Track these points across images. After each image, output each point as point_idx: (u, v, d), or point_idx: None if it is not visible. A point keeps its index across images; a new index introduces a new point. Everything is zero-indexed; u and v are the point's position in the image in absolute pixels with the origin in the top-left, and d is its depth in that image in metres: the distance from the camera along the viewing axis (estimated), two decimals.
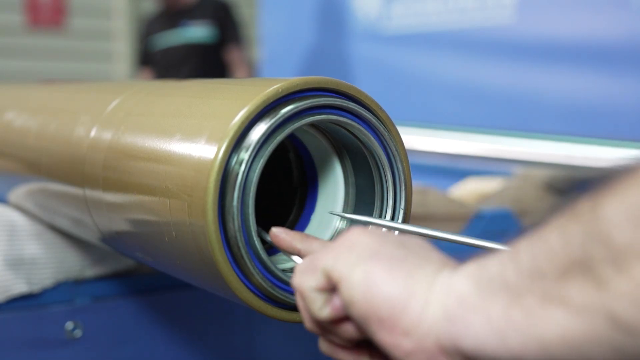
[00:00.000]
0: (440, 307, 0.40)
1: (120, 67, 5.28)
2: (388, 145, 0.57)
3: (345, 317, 0.46)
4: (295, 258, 0.56)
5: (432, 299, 0.41)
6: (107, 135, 0.66)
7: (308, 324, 0.49)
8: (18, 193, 0.89)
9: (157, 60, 3.48)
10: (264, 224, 0.58)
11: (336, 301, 0.46)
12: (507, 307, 0.37)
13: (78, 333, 0.87)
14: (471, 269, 0.41)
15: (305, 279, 0.47)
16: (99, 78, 4.68)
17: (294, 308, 0.55)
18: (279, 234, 0.56)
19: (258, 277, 0.52)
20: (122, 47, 5.30)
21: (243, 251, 0.51)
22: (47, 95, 1.00)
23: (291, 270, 0.58)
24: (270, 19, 3.08)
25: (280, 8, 3.00)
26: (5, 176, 0.92)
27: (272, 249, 0.59)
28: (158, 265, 0.65)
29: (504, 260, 0.39)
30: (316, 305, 0.46)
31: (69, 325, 0.86)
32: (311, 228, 0.64)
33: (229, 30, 3.41)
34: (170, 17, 3.44)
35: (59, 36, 5.13)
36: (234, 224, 0.51)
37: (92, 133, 0.69)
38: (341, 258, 0.45)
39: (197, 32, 3.40)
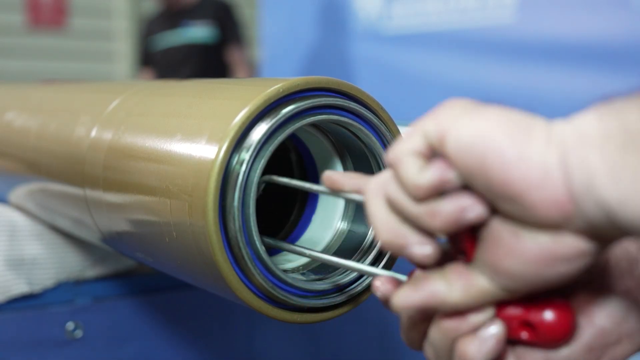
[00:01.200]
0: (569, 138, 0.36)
1: (121, 67, 5.29)
2: (390, 145, 0.57)
3: (448, 190, 0.38)
4: (356, 196, 0.48)
5: (554, 133, 0.37)
6: (108, 135, 0.66)
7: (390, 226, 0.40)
8: (18, 193, 0.89)
9: (158, 61, 3.49)
10: (265, 225, 0.58)
11: (438, 162, 0.38)
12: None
13: (79, 333, 0.86)
14: (592, 116, 0.36)
15: (400, 146, 0.40)
16: (100, 78, 4.68)
17: (294, 308, 0.55)
18: (331, 175, 0.48)
19: (259, 278, 0.52)
20: (123, 47, 5.30)
21: (244, 251, 0.51)
22: (47, 95, 0.99)
23: (292, 270, 0.58)
24: (270, 19, 3.08)
25: (281, 8, 3.00)
26: (6, 176, 0.92)
27: (272, 249, 0.59)
28: (158, 265, 0.65)
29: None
30: (413, 170, 0.38)
31: (70, 325, 0.86)
32: (312, 228, 0.64)
33: (229, 30, 3.41)
34: (171, 17, 3.44)
35: (60, 36, 5.13)
36: (235, 224, 0.51)
37: (93, 133, 0.69)
38: (441, 115, 0.39)
39: (198, 32, 3.40)
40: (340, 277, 0.56)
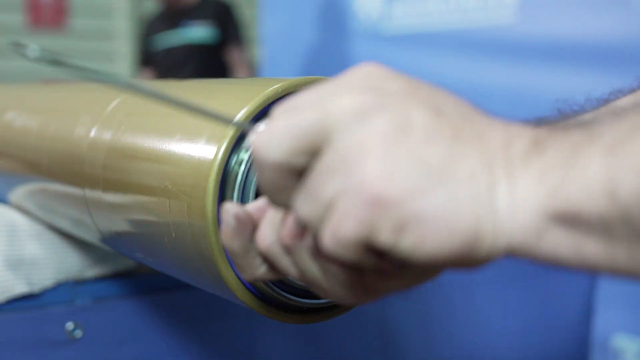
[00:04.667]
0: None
1: (121, 67, 5.29)
2: None
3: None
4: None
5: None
6: (107, 135, 0.66)
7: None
8: (18, 193, 0.89)
9: (158, 61, 3.49)
10: None
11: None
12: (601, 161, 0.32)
13: (78, 333, 0.86)
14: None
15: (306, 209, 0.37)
16: None
17: (294, 309, 0.55)
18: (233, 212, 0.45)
19: None
20: (123, 48, 5.30)
21: None
22: (47, 95, 0.99)
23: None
24: (270, 19, 3.08)
25: (281, 8, 3.00)
26: (5, 176, 0.92)
27: None
28: (158, 265, 0.65)
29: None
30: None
31: (70, 325, 0.86)
32: None
33: (230, 30, 3.42)
34: (171, 18, 3.44)
35: (60, 36, 5.13)
36: None
37: (92, 133, 0.69)
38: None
39: (198, 32, 3.40)
40: None
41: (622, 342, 1.70)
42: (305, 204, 0.37)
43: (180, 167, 0.53)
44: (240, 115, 0.51)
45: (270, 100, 0.52)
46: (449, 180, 0.34)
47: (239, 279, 0.52)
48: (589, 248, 0.33)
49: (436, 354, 1.09)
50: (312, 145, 0.37)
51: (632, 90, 0.55)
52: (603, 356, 1.73)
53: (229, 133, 0.51)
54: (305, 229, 0.40)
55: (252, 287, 0.53)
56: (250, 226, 0.45)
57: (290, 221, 0.41)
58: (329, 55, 2.72)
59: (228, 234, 0.45)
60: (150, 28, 3.57)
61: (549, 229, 0.33)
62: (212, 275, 0.52)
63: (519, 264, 1.22)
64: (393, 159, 0.34)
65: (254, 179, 0.51)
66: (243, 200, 0.51)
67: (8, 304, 0.84)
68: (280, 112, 0.39)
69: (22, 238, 0.87)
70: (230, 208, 0.45)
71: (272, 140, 0.37)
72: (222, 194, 0.51)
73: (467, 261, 0.35)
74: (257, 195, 0.52)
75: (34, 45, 0.40)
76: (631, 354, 1.70)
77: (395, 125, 0.35)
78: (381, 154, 0.34)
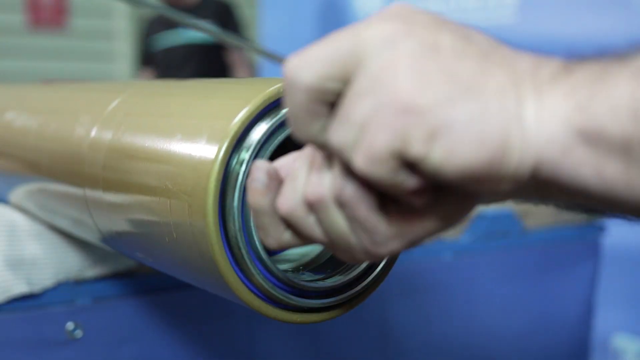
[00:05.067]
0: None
1: (122, 67, 5.29)
2: None
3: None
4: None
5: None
6: (107, 135, 0.66)
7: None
8: (18, 193, 0.89)
9: (159, 61, 3.49)
10: None
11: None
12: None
13: (79, 333, 0.86)
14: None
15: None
16: (100, 78, 4.68)
17: (294, 309, 0.55)
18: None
19: (259, 278, 0.52)
20: (124, 48, 5.30)
21: (244, 252, 0.51)
22: (47, 95, 0.99)
23: (292, 270, 0.58)
24: (270, 19, 3.08)
25: (281, 8, 3.00)
26: (5, 176, 0.92)
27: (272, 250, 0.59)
28: (159, 265, 0.65)
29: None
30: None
31: (70, 325, 0.86)
32: None
33: (230, 30, 3.42)
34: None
35: (60, 36, 5.13)
36: (235, 224, 0.51)
37: (92, 133, 0.69)
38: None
39: (199, 32, 3.40)
40: (340, 277, 0.56)
41: (622, 342, 1.71)
42: (338, 130, 0.38)
43: (181, 167, 0.53)
44: (241, 115, 0.51)
45: (270, 100, 0.52)
46: (478, 92, 0.35)
47: (240, 278, 0.52)
48: (609, 169, 0.33)
49: (436, 353, 1.09)
50: (345, 70, 0.37)
51: None
52: (603, 356, 1.73)
53: (230, 133, 0.51)
54: (332, 166, 0.41)
55: (252, 287, 0.53)
56: (279, 184, 0.45)
57: (314, 177, 0.42)
58: None
59: (258, 191, 0.45)
60: (150, 28, 3.57)
61: (574, 145, 0.34)
62: (213, 275, 0.52)
63: (519, 263, 1.22)
64: (423, 72, 0.35)
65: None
66: (244, 199, 0.51)
67: (8, 304, 0.84)
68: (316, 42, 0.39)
69: (22, 238, 0.87)
70: (262, 164, 0.45)
71: (305, 64, 0.38)
72: (223, 194, 0.51)
73: (495, 176, 0.35)
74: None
75: None
76: (631, 354, 1.70)
77: (425, 46, 0.36)
78: (411, 70, 0.35)
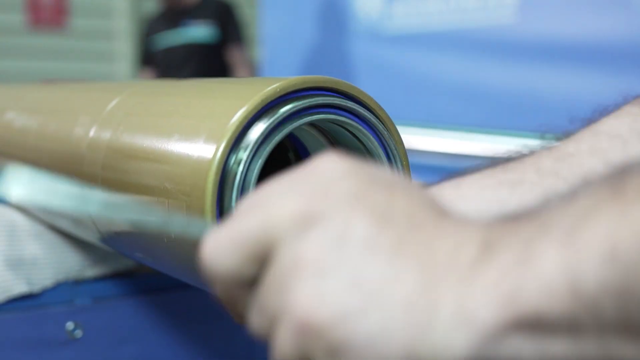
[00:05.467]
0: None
1: (121, 67, 5.29)
2: (387, 144, 0.57)
3: None
4: None
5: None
6: (106, 135, 0.66)
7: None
8: None
9: (159, 60, 3.49)
10: None
11: None
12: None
13: (78, 333, 0.86)
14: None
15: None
16: (100, 78, 4.68)
17: None
18: None
19: None
20: (124, 47, 5.30)
21: None
22: (47, 95, 0.99)
23: None
24: (271, 19, 3.08)
25: (281, 8, 3.00)
26: None
27: None
28: (158, 265, 0.65)
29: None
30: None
31: (70, 325, 0.86)
32: None
33: (230, 30, 3.42)
34: (172, 17, 3.44)
35: (60, 36, 5.13)
36: None
37: (91, 133, 0.69)
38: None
39: (199, 32, 3.40)
40: None
41: None
42: (255, 316, 0.37)
43: (179, 167, 0.53)
44: (238, 115, 0.51)
45: (268, 100, 0.52)
46: (381, 303, 0.32)
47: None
48: (555, 349, 0.30)
49: None
50: (258, 255, 0.36)
51: (616, 108, 0.54)
52: None
53: (228, 133, 0.51)
54: None
55: None
56: None
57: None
58: (329, 55, 2.72)
59: None
60: (150, 27, 3.57)
61: (507, 337, 0.31)
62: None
63: None
64: (324, 279, 0.33)
65: (253, 179, 0.51)
66: (242, 200, 0.51)
67: (8, 304, 0.84)
68: (235, 213, 0.38)
69: (22, 238, 0.87)
70: None
71: (218, 252, 0.37)
72: (221, 194, 0.51)
73: None
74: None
75: None
76: None
77: (333, 236, 0.34)
78: (313, 274, 0.33)
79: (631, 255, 0.28)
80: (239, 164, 0.51)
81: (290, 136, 0.60)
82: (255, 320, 0.37)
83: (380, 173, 0.37)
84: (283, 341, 0.35)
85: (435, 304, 0.32)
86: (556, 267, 0.29)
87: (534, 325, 0.30)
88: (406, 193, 0.35)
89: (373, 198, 0.35)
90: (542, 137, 0.55)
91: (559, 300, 0.29)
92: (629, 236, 0.28)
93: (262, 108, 0.52)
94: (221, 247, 0.36)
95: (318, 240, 0.34)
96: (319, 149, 0.62)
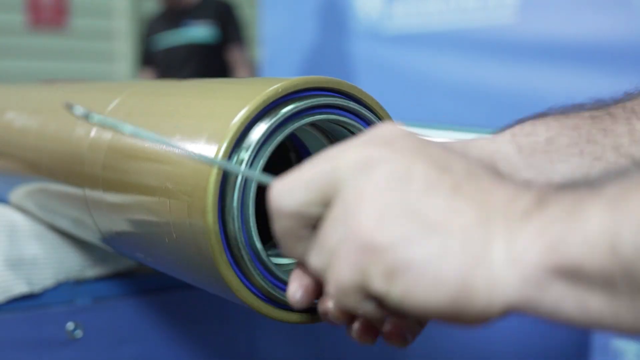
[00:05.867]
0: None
1: (121, 67, 5.29)
2: None
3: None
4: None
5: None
6: (107, 135, 0.66)
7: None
8: (18, 193, 0.89)
9: (159, 61, 3.49)
10: (265, 225, 0.58)
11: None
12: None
13: (79, 333, 0.86)
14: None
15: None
16: (100, 78, 4.68)
17: (294, 309, 0.55)
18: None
19: (258, 278, 0.52)
20: (124, 47, 5.30)
21: (243, 252, 0.51)
22: (47, 95, 0.99)
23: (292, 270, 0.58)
24: (271, 19, 3.08)
25: (281, 8, 3.00)
26: (6, 176, 0.92)
27: (272, 249, 0.59)
28: (158, 265, 0.65)
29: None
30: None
31: (70, 325, 0.86)
32: None
33: (231, 30, 3.42)
34: (173, 17, 3.44)
35: (60, 36, 5.13)
36: (234, 224, 0.51)
37: (92, 133, 0.69)
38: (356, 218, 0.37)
39: (199, 32, 3.40)
40: None
41: (622, 343, 1.70)
42: (314, 255, 0.39)
43: (181, 167, 0.53)
44: (240, 115, 0.51)
45: (270, 101, 0.52)
46: (440, 231, 0.35)
47: (239, 278, 0.52)
48: (592, 303, 0.32)
49: (436, 354, 1.09)
50: (324, 196, 0.39)
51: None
52: (603, 357, 1.73)
53: (229, 133, 0.51)
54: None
55: (253, 287, 0.53)
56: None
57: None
58: (329, 55, 2.72)
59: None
60: (151, 28, 3.57)
61: (550, 283, 0.33)
62: (213, 275, 0.52)
63: None
64: (387, 207, 0.36)
65: (254, 179, 0.51)
66: (243, 199, 0.51)
67: (8, 304, 0.84)
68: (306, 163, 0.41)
69: (22, 238, 0.87)
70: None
71: (287, 190, 0.40)
72: (223, 194, 0.51)
73: (461, 316, 0.35)
74: (258, 195, 0.52)
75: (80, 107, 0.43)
76: (631, 354, 1.69)
77: (395, 176, 0.36)
78: (376, 203, 0.36)
79: None
80: (240, 164, 0.51)
81: (292, 136, 0.60)
82: (314, 258, 0.39)
83: (436, 141, 0.40)
84: (342, 268, 0.37)
85: (489, 238, 0.34)
86: (599, 226, 0.32)
87: (573, 275, 0.32)
88: (463, 156, 0.38)
89: (433, 153, 0.38)
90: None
91: (598, 256, 0.31)
92: None
93: (264, 108, 0.52)
94: (291, 186, 0.39)
95: (381, 177, 0.36)
96: (320, 149, 0.62)
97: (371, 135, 0.40)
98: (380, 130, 0.40)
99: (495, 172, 0.38)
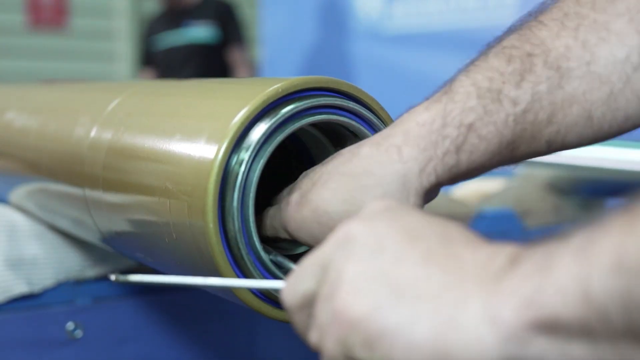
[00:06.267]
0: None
1: (121, 67, 5.29)
2: None
3: None
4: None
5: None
6: (107, 135, 0.66)
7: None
8: (18, 193, 0.89)
9: (159, 61, 3.49)
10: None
11: None
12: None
13: (79, 333, 0.86)
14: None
15: (291, 291, 0.42)
16: (100, 78, 4.68)
17: None
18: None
19: (258, 278, 0.52)
20: (124, 48, 5.30)
21: (243, 252, 0.51)
22: (47, 95, 0.99)
23: (292, 270, 0.58)
24: (271, 19, 3.08)
25: (281, 8, 3.00)
26: (6, 176, 0.92)
27: (272, 249, 0.59)
28: (158, 265, 0.65)
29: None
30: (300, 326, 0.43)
31: (70, 325, 0.86)
32: None
33: (231, 30, 3.42)
34: (173, 17, 3.44)
35: (61, 36, 5.13)
36: (234, 224, 0.51)
37: (92, 133, 0.69)
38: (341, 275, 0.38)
39: (200, 32, 3.40)
40: None
41: None
42: (312, 332, 0.41)
43: (181, 167, 0.53)
44: (240, 115, 0.51)
45: (270, 101, 0.52)
46: (410, 298, 0.35)
47: (240, 278, 0.52)
48: (575, 353, 0.32)
49: None
50: (318, 278, 0.40)
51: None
52: None
53: (229, 133, 0.51)
54: None
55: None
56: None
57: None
58: (329, 55, 2.72)
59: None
60: (151, 28, 3.57)
61: (531, 339, 0.33)
62: (213, 275, 0.52)
63: None
64: (360, 279, 0.37)
65: (255, 179, 0.51)
66: (243, 199, 0.51)
67: (8, 304, 0.84)
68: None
69: (22, 238, 0.87)
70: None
71: (292, 286, 0.42)
72: (223, 194, 0.51)
73: None
74: (258, 195, 0.52)
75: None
76: None
77: (368, 249, 0.38)
78: (351, 276, 0.37)
79: (635, 266, 0.30)
80: (240, 164, 0.51)
81: (292, 136, 0.60)
82: (312, 335, 0.41)
83: (417, 211, 0.41)
84: (328, 342, 0.38)
85: (462, 301, 0.35)
86: (571, 276, 0.32)
87: (552, 328, 0.32)
88: (441, 222, 0.39)
89: (407, 222, 0.39)
90: None
91: (572, 305, 0.31)
92: (634, 249, 0.30)
93: (264, 108, 0.52)
94: (294, 281, 0.42)
95: (355, 254, 0.38)
96: (320, 147, 0.62)
97: (361, 212, 0.42)
98: (367, 208, 0.42)
99: (472, 235, 0.39)
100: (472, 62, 0.55)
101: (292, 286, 0.42)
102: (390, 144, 0.50)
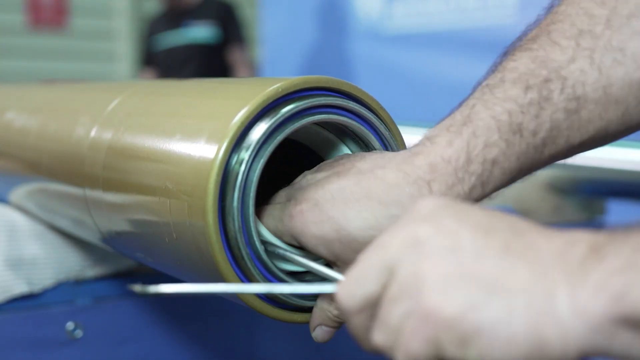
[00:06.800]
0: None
1: (121, 67, 5.29)
2: (389, 144, 0.57)
3: None
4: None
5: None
6: (107, 135, 0.66)
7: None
8: (18, 193, 0.89)
9: (160, 61, 3.49)
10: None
11: None
12: None
13: (79, 333, 0.86)
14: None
15: (351, 295, 0.41)
16: (100, 78, 4.68)
17: (295, 309, 0.55)
18: None
19: (259, 278, 0.52)
20: (124, 47, 5.30)
21: (244, 252, 0.51)
22: (47, 95, 0.99)
23: (293, 272, 0.58)
24: (271, 19, 3.08)
25: (281, 8, 3.00)
26: (6, 176, 0.92)
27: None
28: (158, 265, 0.65)
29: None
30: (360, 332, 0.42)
31: (70, 325, 0.86)
32: None
33: (231, 30, 3.42)
34: (173, 17, 3.44)
35: (61, 36, 5.13)
36: (234, 224, 0.51)
37: (92, 133, 0.69)
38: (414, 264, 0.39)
39: (200, 32, 3.41)
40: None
41: None
42: (379, 333, 0.41)
43: (181, 167, 0.53)
44: (240, 115, 0.51)
45: (270, 100, 0.52)
46: (502, 292, 0.36)
47: (240, 278, 0.52)
48: None
49: None
50: (382, 283, 0.40)
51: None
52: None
53: (229, 133, 0.51)
54: None
55: None
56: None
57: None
58: (329, 55, 2.72)
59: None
60: (152, 28, 3.57)
61: (617, 332, 0.34)
62: (213, 276, 0.52)
63: None
64: (445, 278, 0.37)
65: (255, 179, 0.51)
66: (243, 199, 0.51)
67: (8, 304, 0.84)
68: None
69: (22, 238, 0.87)
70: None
71: (350, 290, 0.42)
72: (223, 194, 0.51)
73: None
74: (258, 195, 0.52)
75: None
76: None
77: (445, 248, 0.38)
78: (435, 276, 0.38)
79: None
80: (240, 164, 0.51)
81: (292, 136, 0.60)
82: (378, 337, 0.41)
83: (475, 205, 0.42)
84: (412, 341, 0.38)
85: (551, 291, 0.35)
86: None
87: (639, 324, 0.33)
88: (504, 215, 0.40)
89: (474, 217, 0.39)
90: None
91: None
92: None
93: (264, 108, 0.52)
94: (353, 285, 0.42)
95: (432, 252, 0.38)
96: (322, 144, 0.62)
97: (411, 213, 0.42)
98: (418, 206, 0.42)
99: (537, 225, 0.39)
100: (487, 85, 0.56)
101: (350, 289, 0.42)
102: (419, 176, 0.50)
